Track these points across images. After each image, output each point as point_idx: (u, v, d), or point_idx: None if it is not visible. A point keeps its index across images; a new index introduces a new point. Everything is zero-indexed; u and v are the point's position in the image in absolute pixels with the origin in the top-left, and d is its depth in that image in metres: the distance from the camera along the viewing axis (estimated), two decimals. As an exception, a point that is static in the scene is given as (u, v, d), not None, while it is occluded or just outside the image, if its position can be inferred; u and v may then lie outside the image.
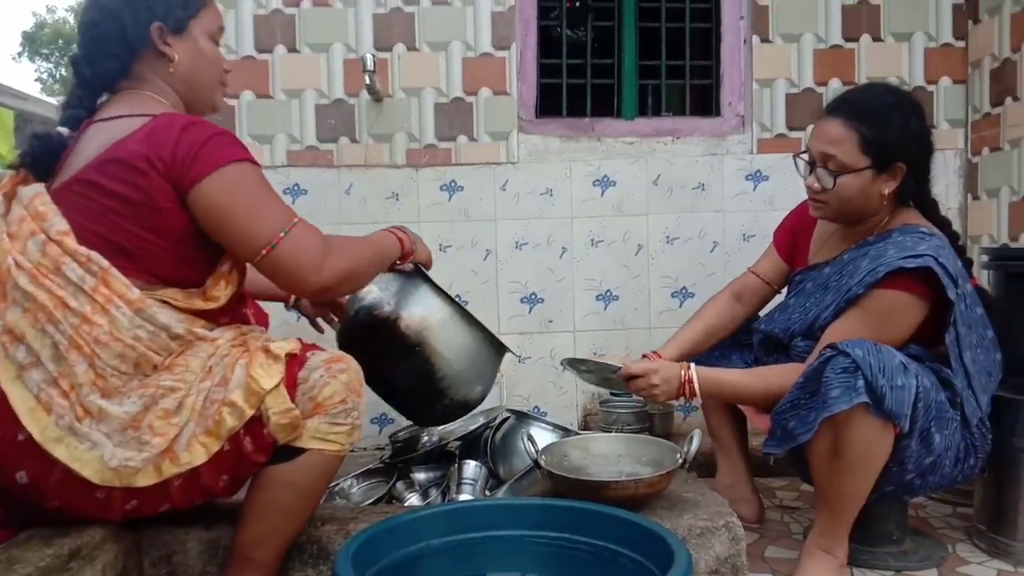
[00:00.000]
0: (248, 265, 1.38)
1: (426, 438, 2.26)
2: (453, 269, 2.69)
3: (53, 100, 2.50)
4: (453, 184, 2.68)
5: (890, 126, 1.61)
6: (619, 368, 1.75)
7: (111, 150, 1.30)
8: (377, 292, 1.68)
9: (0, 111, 5.14)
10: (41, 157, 1.39)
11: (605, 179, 2.71)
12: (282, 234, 1.30)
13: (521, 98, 2.71)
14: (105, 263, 1.26)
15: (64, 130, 1.42)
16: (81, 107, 1.41)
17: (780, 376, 1.65)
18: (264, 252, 1.30)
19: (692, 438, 1.63)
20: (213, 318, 1.37)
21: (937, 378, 1.57)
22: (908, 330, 1.60)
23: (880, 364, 1.46)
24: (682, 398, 1.71)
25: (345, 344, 1.71)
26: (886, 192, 1.64)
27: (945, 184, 2.73)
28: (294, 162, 2.64)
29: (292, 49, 2.64)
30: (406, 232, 1.62)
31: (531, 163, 2.70)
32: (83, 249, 1.25)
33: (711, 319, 2.00)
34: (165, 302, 1.30)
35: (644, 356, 1.91)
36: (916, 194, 1.70)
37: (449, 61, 2.68)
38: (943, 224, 1.70)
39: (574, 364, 1.92)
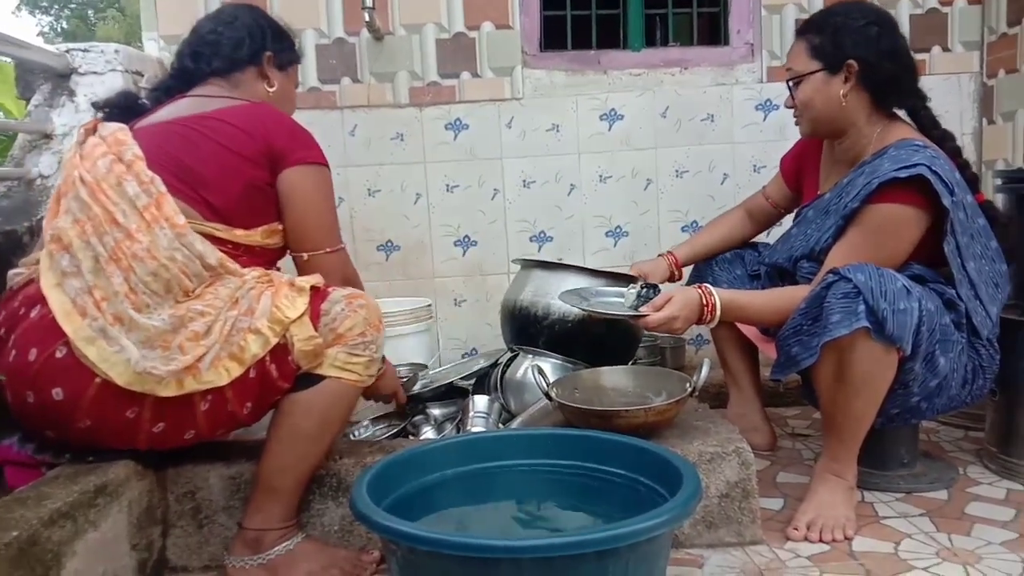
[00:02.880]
0: None
1: (438, 375, 2.30)
2: (461, 209, 2.68)
3: (53, 48, 2.44)
4: (458, 122, 2.65)
5: (838, 29, 1.67)
6: (636, 316, 1.68)
7: (211, 112, 1.50)
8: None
9: (1, 64, 5.10)
10: (120, 109, 1.58)
11: (612, 113, 2.68)
12: (328, 249, 1.55)
13: (524, 31, 2.65)
14: (163, 188, 1.38)
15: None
16: (169, 94, 1.61)
17: (793, 298, 1.64)
18: (311, 253, 1.53)
19: (701, 368, 1.64)
20: (245, 261, 1.45)
21: (942, 300, 1.57)
22: (909, 244, 1.60)
23: (882, 288, 1.46)
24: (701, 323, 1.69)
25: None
26: (842, 93, 1.67)
27: (959, 108, 2.68)
28: (297, 103, 2.60)
29: (290, -12, 2.60)
30: (391, 368, 1.73)
31: (536, 98, 2.66)
32: (149, 173, 1.38)
33: (725, 230, 2.10)
34: (206, 235, 1.40)
35: (660, 255, 2.08)
36: (896, 101, 1.70)
37: (450, -5, 2.62)
38: (943, 138, 1.69)
39: (575, 297, 1.87)
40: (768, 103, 2.67)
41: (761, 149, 2.68)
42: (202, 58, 1.61)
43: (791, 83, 1.75)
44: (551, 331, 1.99)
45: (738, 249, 2.05)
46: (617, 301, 1.84)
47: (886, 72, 1.66)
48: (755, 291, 1.82)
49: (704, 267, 2.07)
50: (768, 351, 1.85)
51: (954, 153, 1.67)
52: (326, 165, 1.56)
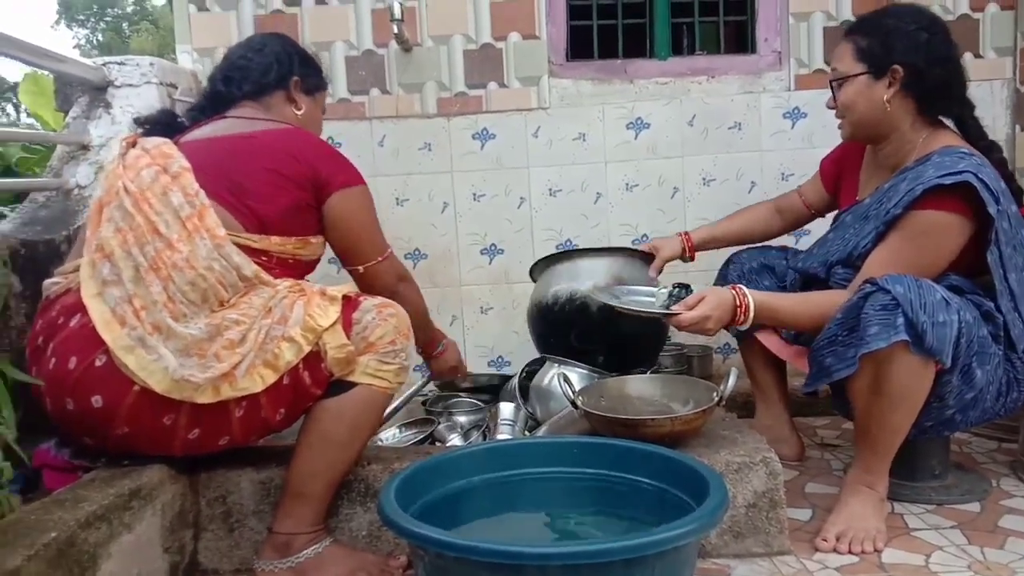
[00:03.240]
0: None
1: (466, 384, 2.32)
2: (488, 218, 2.70)
3: (90, 62, 2.50)
4: (485, 132, 2.67)
5: (886, 32, 1.65)
6: (668, 314, 1.66)
7: (257, 133, 1.56)
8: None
9: (40, 78, 5.23)
10: (160, 125, 1.65)
11: (639, 121, 2.68)
12: (379, 258, 1.63)
13: (551, 41, 2.67)
14: (207, 200, 1.42)
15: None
16: (204, 114, 1.67)
17: (830, 302, 1.61)
18: (366, 265, 1.62)
19: (729, 376, 1.63)
20: (278, 273, 1.48)
21: (979, 312, 1.55)
22: (950, 253, 1.57)
23: (921, 300, 1.44)
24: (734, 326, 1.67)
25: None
26: (886, 98, 1.65)
27: (992, 116, 2.64)
28: (327, 115, 2.59)
29: (320, 1, 2.64)
30: (452, 343, 1.94)
31: (563, 108, 2.67)
32: (195, 185, 1.42)
33: (747, 221, 2.09)
34: (243, 246, 1.43)
35: (678, 235, 2.08)
36: (942, 108, 1.68)
37: (477, 6, 2.64)
38: (989, 148, 1.66)
39: (607, 295, 1.87)
40: (796, 111, 2.66)
41: (789, 157, 2.67)
42: (233, 82, 1.67)
43: (834, 83, 1.72)
44: (577, 322, 2.01)
45: (767, 260, 2.01)
46: (648, 300, 1.83)
47: (934, 79, 1.63)
48: (790, 294, 1.79)
49: (731, 275, 2.03)
50: (795, 363, 1.84)
51: (1000, 164, 1.64)
52: (364, 183, 1.63)
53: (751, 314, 1.61)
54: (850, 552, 1.50)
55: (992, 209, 1.51)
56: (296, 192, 1.52)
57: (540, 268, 2.20)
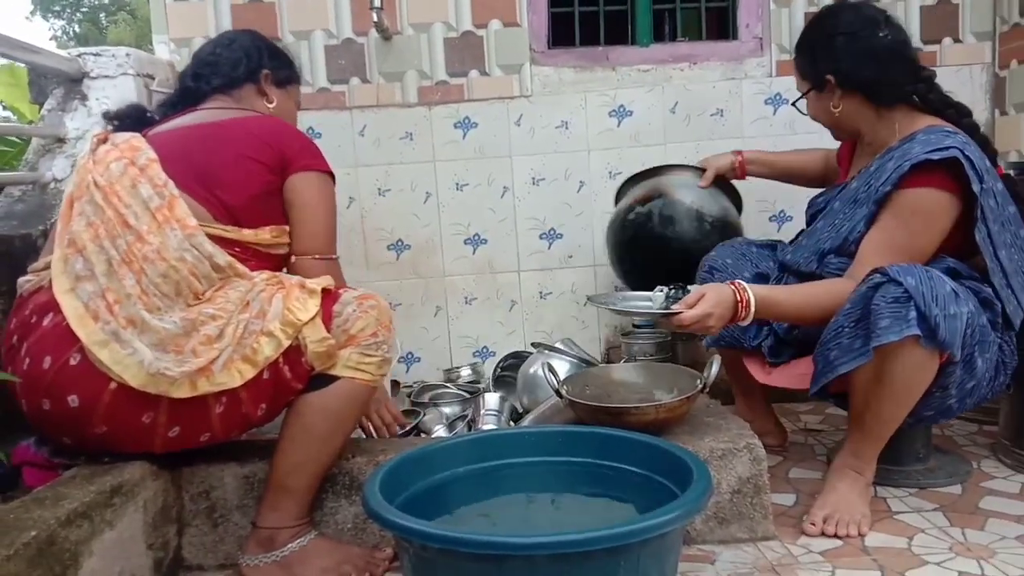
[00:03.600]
0: None
1: (450, 374, 2.32)
2: (470, 207, 2.69)
3: (65, 53, 2.46)
4: (467, 121, 2.66)
5: (811, 46, 1.75)
6: (669, 313, 1.59)
7: (228, 121, 1.57)
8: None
9: (16, 69, 5.15)
10: (129, 120, 1.64)
11: (621, 109, 2.67)
12: (333, 256, 1.59)
13: (532, 29, 2.65)
14: (176, 191, 1.41)
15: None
16: (174, 109, 1.68)
17: (830, 292, 1.60)
18: (299, 256, 1.55)
19: (712, 364, 1.64)
20: (254, 265, 1.47)
21: (978, 299, 1.54)
22: (941, 231, 1.58)
23: (933, 293, 1.42)
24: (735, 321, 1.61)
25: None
26: (833, 105, 1.73)
27: (971, 100, 2.64)
28: (307, 105, 2.60)
29: (299, -11, 2.61)
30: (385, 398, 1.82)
31: (545, 95, 2.66)
32: (163, 176, 1.42)
33: (805, 161, 2.16)
34: (216, 237, 1.42)
35: (732, 152, 2.21)
36: (892, 95, 1.69)
37: (457, -6, 2.63)
38: (960, 115, 1.69)
39: (602, 301, 1.87)
40: (778, 97, 2.66)
41: (771, 143, 2.66)
42: (202, 78, 1.68)
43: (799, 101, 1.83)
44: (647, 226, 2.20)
45: (759, 266, 1.92)
46: (646, 305, 1.76)
47: (867, 75, 1.67)
48: (790, 286, 1.76)
49: (707, 275, 1.95)
50: (777, 384, 1.81)
51: (972, 130, 1.66)
52: (331, 176, 1.62)
53: (752, 309, 1.56)
54: (836, 536, 1.52)
55: (976, 187, 1.52)
56: (266, 176, 1.52)
57: (621, 191, 2.40)
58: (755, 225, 2.64)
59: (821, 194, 1.89)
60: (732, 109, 2.67)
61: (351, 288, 1.50)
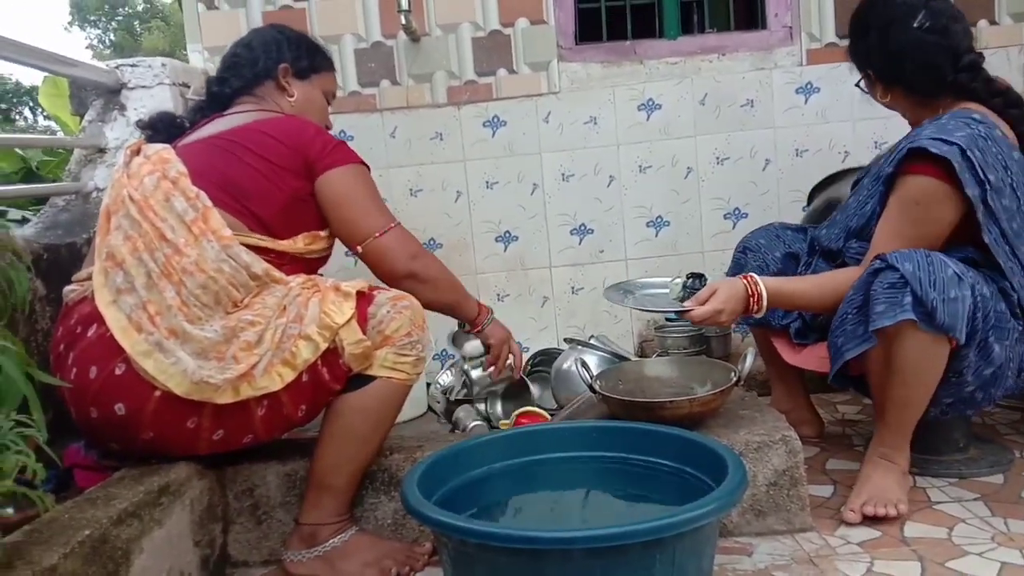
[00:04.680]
0: None
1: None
2: (501, 205, 2.70)
3: (103, 65, 2.54)
4: (496, 120, 2.67)
5: (852, 41, 1.75)
6: (681, 310, 1.66)
7: (249, 125, 1.57)
8: None
9: (59, 80, 5.27)
10: (161, 128, 1.67)
11: (650, 103, 2.67)
12: (377, 233, 1.55)
13: (559, 25, 2.66)
14: (209, 202, 1.43)
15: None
16: (203, 115, 1.69)
17: (840, 281, 1.61)
18: (364, 243, 1.56)
19: (746, 356, 1.64)
20: (289, 270, 1.49)
21: (997, 288, 1.52)
22: (948, 221, 1.54)
23: (931, 277, 1.42)
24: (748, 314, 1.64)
25: None
26: (879, 96, 1.73)
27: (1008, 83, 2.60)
28: (338, 108, 2.64)
29: (327, -6, 2.64)
30: (490, 311, 1.78)
31: (573, 92, 2.67)
32: (194, 188, 1.43)
33: None
34: (251, 246, 1.44)
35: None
36: (932, 87, 1.64)
37: (484, -7, 2.64)
38: (1007, 105, 1.63)
39: (620, 293, 1.86)
40: (809, 86, 2.64)
41: (803, 133, 2.65)
42: (225, 82, 1.70)
43: None
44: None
45: (789, 246, 1.94)
46: (662, 293, 1.83)
47: (900, 71, 1.65)
48: (803, 277, 1.78)
49: (749, 266, 1.96)
50: (806, 366, 1.82)
51: (1018, 120, 1.62)
52: (359, 162, 1.60)
53: (764, 303, 1.59)
54: (875, 515, 1.51)
55: (973, 191, 1.48)
56: (292, 181, 1.52)
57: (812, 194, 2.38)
58: (711, 223, 2.69)
59: (861, 172, 1.88)
60: (763, 99, 2.65)
61: (384, 289, 1.52)
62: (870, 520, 1.53)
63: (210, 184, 1.46)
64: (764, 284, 1.60)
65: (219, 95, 1.70)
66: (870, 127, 2.61)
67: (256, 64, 1.68)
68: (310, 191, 1.55)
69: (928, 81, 1.65)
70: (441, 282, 1.63)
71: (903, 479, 1.59)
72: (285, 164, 1.52)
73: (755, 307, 1.60)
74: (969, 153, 1.48)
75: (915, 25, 1.63)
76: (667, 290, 1.82)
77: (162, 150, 1.51)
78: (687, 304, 1.63)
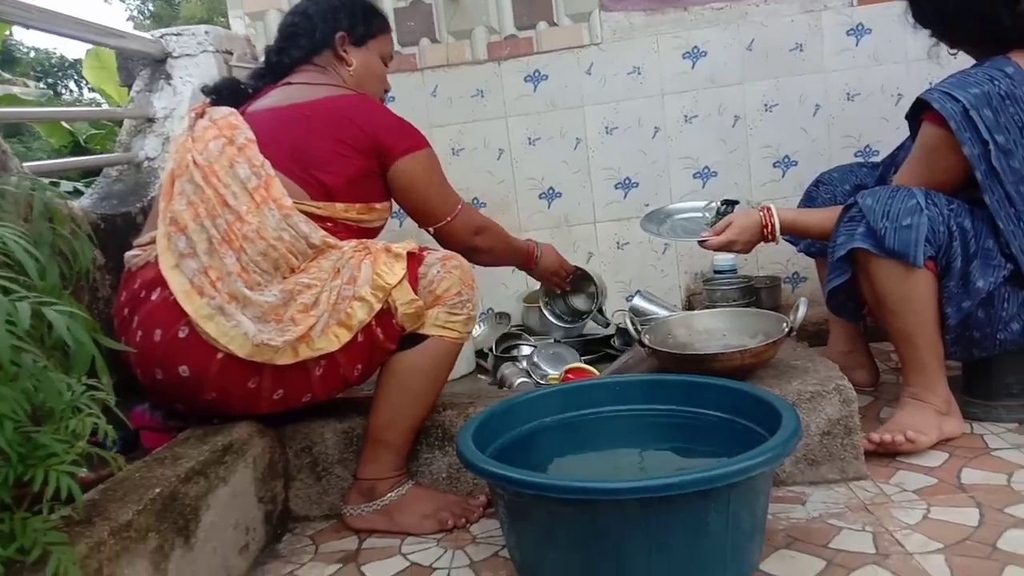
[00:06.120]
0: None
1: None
2: (544, 161, 2.69)
3: (148, 35, 2.58)
4: (537, 74, 2.64)
5: (912, 10, 1.70)
6: (699, 240, 1.84)
7: (322, 101, 1.59)
8: None
9: (102, 53, 5.34)
10: (226, 94, 1.69)
11: (695, 50, 2.61)
12: (449, 218, 1.67)
13: (599, -25, 2.60)
14: (272, 171, 1.46)
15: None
16: (264, 82, 1.72)
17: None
18: (436, 227, 1.67)
19: (798, 307, 1.62)
20: (343, 236, 1.52)
21: (991, 226, 1.51)
22: (956, 169, 1.52)
23: (886, 208, 1.49)
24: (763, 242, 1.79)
25: None
26: (948, 50, 1.71)
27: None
28: (379, 69, 2.66)
29: (364, -47, 2.62)
30: (538, 244, 1.98)
31: (616, 42, 2.62)
32: (260, 156, 1.47)
33: None
34: (309, 214, 1.47)
35: None
36: (974, 35, 1.61)
37: (522, -56, 2.59)
38: None
39: (654, 223, 2.04)
40: (860, 27, 2.54)
41: (855, 76, 2.56)
42: (284, 51, 1.71)
43: None
44: None
45: (859, 179, 1.98)
46: (696, 216, 2.00)
47: (961, 28, 1.62)
48: (819, 209, 1.88)
49: (821, 198, 2.01)
50: None
51: None
52: (427, 147, 1.64)
53: (777, 233, 1.76)
54: (882, 442, 1.54)
55: (968, 150, 1.46)
56: (361, 160, 1.55)
57: None
58: (760, 172, 2.56)
59: None
60: (812, 43, 2.57)
61: (434, 249, 1.54)
62: (886, 449, 1.55)
63: (279, 152, 1.49)
64: (780, 215, 1.76)
65: (278, 64, 1.72)
66: (924, 68, 2.51)
67: (314, 34, 1.69)
68: (377, 171, 1.58)
69: (987, 32, 1.58)
70: (498, 250, 1.81)
71: (932, 417, 1.58)
72: (359, 145, 1.55)
73: (769, 236, 1.76)
74: (972, 112, 1.45)
75: None
76: (700, 214, 1.96)
77: (229, 115, 1.54)
78: (703, 235, 1.82)
